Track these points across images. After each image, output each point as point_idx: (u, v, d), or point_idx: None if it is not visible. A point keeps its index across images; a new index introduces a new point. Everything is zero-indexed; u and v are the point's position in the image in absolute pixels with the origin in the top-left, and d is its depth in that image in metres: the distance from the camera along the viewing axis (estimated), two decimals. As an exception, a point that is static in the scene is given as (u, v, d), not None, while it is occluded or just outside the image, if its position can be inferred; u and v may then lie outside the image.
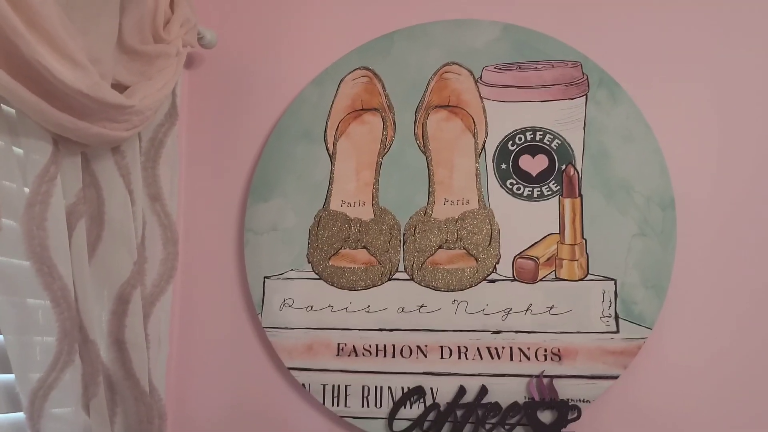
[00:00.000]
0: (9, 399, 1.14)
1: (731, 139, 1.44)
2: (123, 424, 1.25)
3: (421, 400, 1.46)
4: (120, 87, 1.20)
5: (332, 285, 1.52)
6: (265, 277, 1.54)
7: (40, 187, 1.07)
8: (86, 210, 1.19)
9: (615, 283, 1.42)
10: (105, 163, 1.22)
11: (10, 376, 1.13)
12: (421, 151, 1.54)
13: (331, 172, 1.57)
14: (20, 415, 1.14)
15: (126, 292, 1.23)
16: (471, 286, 1.48)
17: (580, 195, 1.46)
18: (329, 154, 1.57)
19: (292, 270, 1.54)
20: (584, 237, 1.45)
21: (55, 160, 1.09)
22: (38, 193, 1.07)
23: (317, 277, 1.53)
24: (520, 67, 1.52)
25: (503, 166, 1.51)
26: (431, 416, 1.44)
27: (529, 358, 1.43)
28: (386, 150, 1.56)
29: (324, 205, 1.55)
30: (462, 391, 1.44)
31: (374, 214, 1.53)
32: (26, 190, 1.08)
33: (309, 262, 1.54)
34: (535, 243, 1.47)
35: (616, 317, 1.41)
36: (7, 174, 1.07)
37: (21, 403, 1.11)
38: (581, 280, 1.44)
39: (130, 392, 1.23)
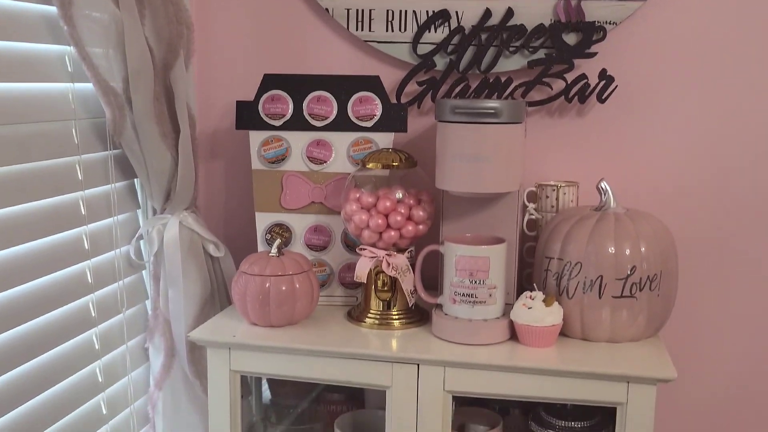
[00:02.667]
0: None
1: None
2: (152, 26, 1.25)
3: (446, 24, 1.45)
4: None
5: None
6: None
7: None
8: None
9: None
10: None
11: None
12: None
13: None
14: (52, 9, 1.14)
15: None
16: None
17: None
18: None
19: None
20: None
21: None
22: None
23: None
24: None
25: None
26: (455, 40, 1.45)
27: None
28: None
29: None
30: (488, 13, 1.43)
31: None
32: None
33: None
34: None
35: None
36: None
37: None
38: None
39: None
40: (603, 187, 1.29)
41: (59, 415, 1.23)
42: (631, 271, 1.21)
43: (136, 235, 1.41)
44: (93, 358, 1.31)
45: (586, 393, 1.16)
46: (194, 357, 1.41)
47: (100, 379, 1.33)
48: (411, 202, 1.31)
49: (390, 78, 1.48)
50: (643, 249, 1.21)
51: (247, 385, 1.46)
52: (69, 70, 1.22)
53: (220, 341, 1.26)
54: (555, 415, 1.27)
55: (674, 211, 1.44)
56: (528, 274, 1.39)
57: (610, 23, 1.40)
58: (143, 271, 1.46)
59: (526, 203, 1.41)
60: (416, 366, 1.20)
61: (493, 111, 1.21)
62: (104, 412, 1.35)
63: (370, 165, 1.32)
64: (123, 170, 1.36)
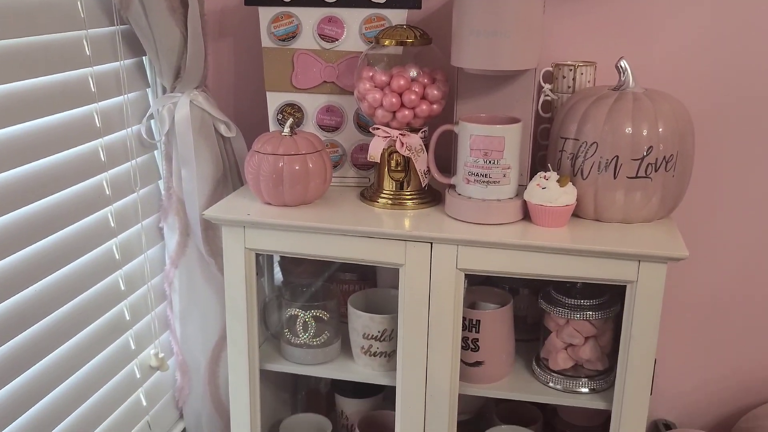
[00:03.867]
0: None
1: None
2: None
3: None
4: None
5: None
6: None
7: None
8: None
9: None
10: None
11: None
12: None
13: None
14: None
15: None
16: None
17: None
18: None
19: None
20: None
21: None
22: None
23: None
24: None
25: None
26: None
27: None
28: None
29: None
30: None
31: None
32: None
33: None
34: None
35: None
36: None
37: None
38: None
39: None
40: (622, 66, 1.26)
41: (78, 291, 1.25)
42: (647, 151, 1.19)
43: (147, 114, 1.39)
44: (109, 236, 1.33)
45: (598, 271, 1.17)
46: (208, 236, 1.43)
47: (117, 257, 1.35)
48: (425, 80, 1.29)
49: (404, -49, 1.41)
50: (660, 129, 1.20)
51: (260, 265, 1.48)
52: (72, -62, 1.17)
53: (235, 219, 1.27)
54: (564, 293, 1.30)
55: (693, 91, 1.41)
56: (542, 156, 1.38)
57: None
58: (155, 151, 1.46)
59: (542, 83, 1.38)
60: (429, 244, 1.21)
61: (513, -17, 1.17)
62: (122, 288, 1.38)
63: (384, 42, 1.29)
64: (131, 47, 1.34)
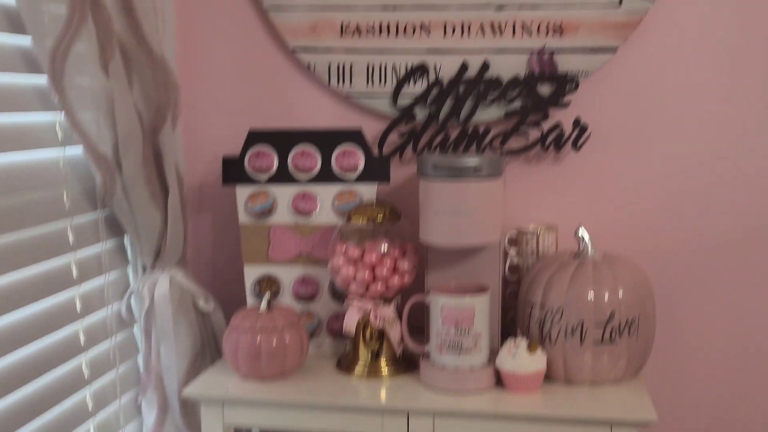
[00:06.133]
0: (27, 61, 1.16)
1: None
2: (140, 91, 1.29)
3: (425, 77, 1.50)
4: None
5: (334, -37, 1.49)
6: (264, -44, 1.50)
7: None
8: None
9: (622, -46, 1.40)
10: None
11: (26, 38, 1.14)
12: None
13: None
14: (42, 78, 1.17)
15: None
16: (476, -39, 1.45)
17: None
18: None
19: (291, -52, 1.50)
20: None
21: None
22: None
23: (318, -45, 1.49)
24: None
25: None
26: (434, 92, 1.49)
27: (531, 34, 1.46)
28: None
29: None
30: (464, 67, 1.48)
31: None
32: None
33: (309, -60, 1.49)
34: None
35: (621, -11, 1.41)
36: None
37: (41, 66, 1.13)
38: (588, -48, 1.42)
39: (145, 59, 1.26)
40: (581, 234, 1.34)
41: (55, 476, 1.24)
42: (610, 316, 1.25)
43: (128, 293, 1.43)
44: (86, 417, 1.33)
45: (571, 438, 1.20)
46: (186, 411, 1.43)
47: (95, 437, 1.35)
48: (396, 253, 1.35)
49: (372, 129, 1.52)
50: (621, 295, 1.26)
51: (239, 433, 1.48)
52: (59, 136, 1.25)
53: (214, 397, 1.28)
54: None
55: (650, 251, 1.49)
56: (512, 317, 1.43)
57: (581, 74, 1.45)
58: (134, 326, 1.48)
59: (507, 248, 1.45)
60: (406, 415, 1.23)
61: (473, 167, 1.26)
62: (99, 469, 1.37)
63: (355, 220, 1.36)
64: (112, 228, 1.39)
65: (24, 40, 1.16)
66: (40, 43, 1.13)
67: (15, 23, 1.13)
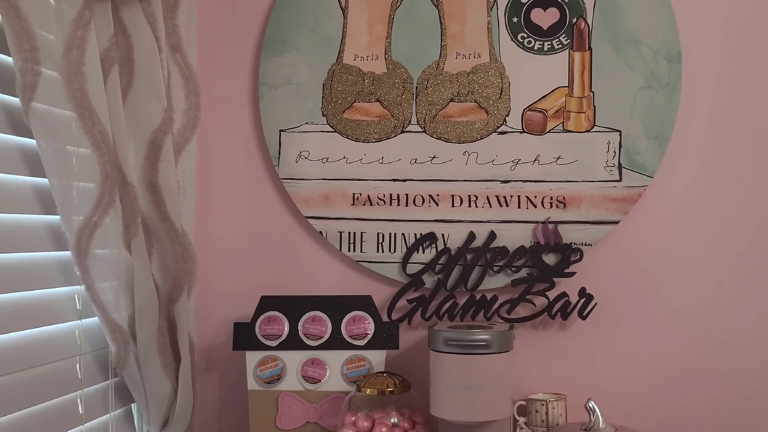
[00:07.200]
0: (54, 238, 1.20)
1: (738, -7, 1.48)
2: (159, 263, 1.33)
3: (433, 246, 1.55)
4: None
5: (347, 137, 1.57)
6: (280, 130, 1.58)
7: (77, 32, 1.08)
8: (118, 56, 1.21)
9: (620, 135, 1.49)
10: (133, 10, 1.22)
11: (55, 217, 1.19)
12: (434, 4, 1.55)
13: (344, 26, 1.58)
14: (66, 254, 1.20)
15: (158, 138, 1.27)
16: (481, 138, 1.54)
17: (590, 48, 1.50)
18: (341, 7, 1.58)
19: (307, 123, 1.58)
20: (592, 90, 1.50)
21: (88, 5, 1.10)
22: (75, 37, 1.08)
23: (332, 129, 1.57)
24: None
25: (515, 19, 1.53)
26: (442, 260, 1.54)
27: (535, 206, 1.52)
28: (398, 3, 1.56)
29: (337, 58, 1.58)
30: (472, 236, 1.53)
31: (387, 68, 1.56)
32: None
33: (323, 116, 1.58)
34: (545, 96, 1.52)
35: (620, 167, 1.49)
36: (44, 24, 1.07)
37: (67, 243, 1.17)
38: (588, 131, 1.50)
39: (166, 233, 1.30)
40: (591, 406, 1.34)
41: None
42: (624, 496, 1.23)
43: (133, 464, 1.41)
44: None
45: None
46: None
47: None
48: (406, 425, 1.35)
49: (381, 294, 1.55)
50: (634, 473, 1.25)
51: None
52: (78, 308, 1.27)
53: None
54: None
55: (662, 420, 1.48)
56: (523, 490, 1.40)
57: (586, 245, 1.50)
58: (137, 496, 1.45)
59: (517, 417, 1.45)
60: None
61: (484, 343, 1.28)
62: None
63: (366, 390, 1.36)
64: (122, 397, 1.38)
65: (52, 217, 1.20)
66: (67, 220, 1.17)
67: (46, 202, 1.18)
